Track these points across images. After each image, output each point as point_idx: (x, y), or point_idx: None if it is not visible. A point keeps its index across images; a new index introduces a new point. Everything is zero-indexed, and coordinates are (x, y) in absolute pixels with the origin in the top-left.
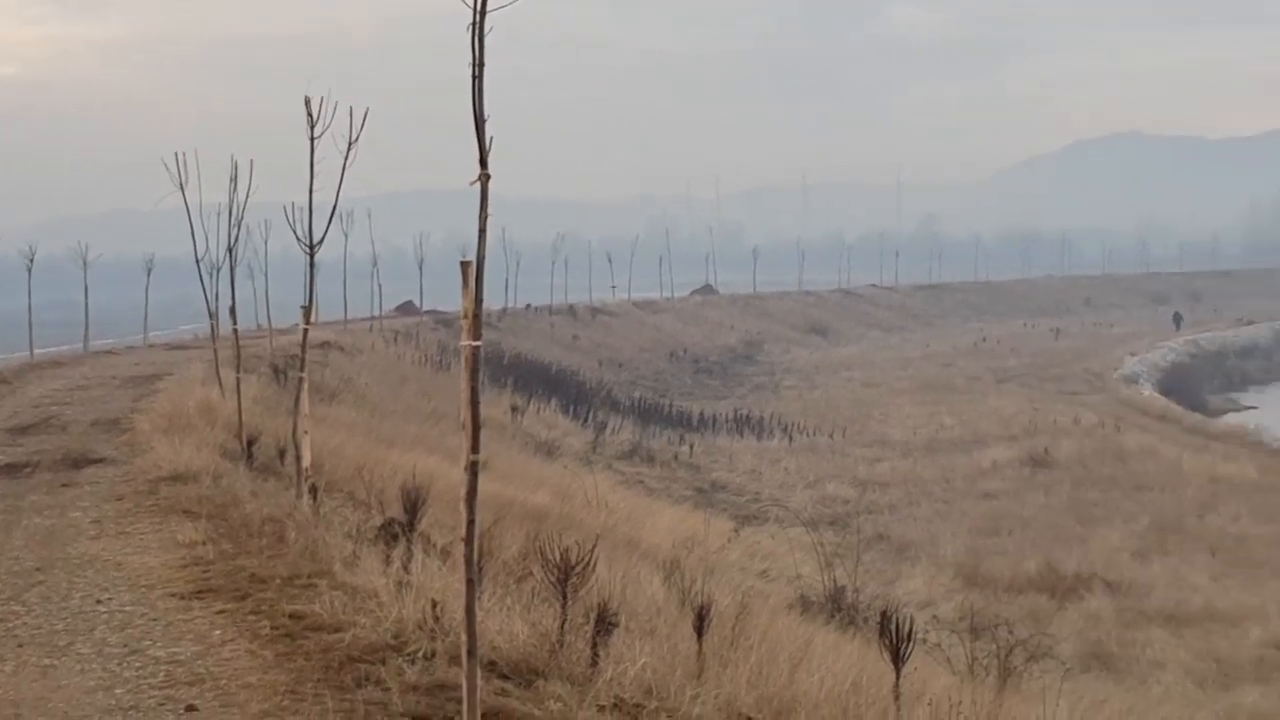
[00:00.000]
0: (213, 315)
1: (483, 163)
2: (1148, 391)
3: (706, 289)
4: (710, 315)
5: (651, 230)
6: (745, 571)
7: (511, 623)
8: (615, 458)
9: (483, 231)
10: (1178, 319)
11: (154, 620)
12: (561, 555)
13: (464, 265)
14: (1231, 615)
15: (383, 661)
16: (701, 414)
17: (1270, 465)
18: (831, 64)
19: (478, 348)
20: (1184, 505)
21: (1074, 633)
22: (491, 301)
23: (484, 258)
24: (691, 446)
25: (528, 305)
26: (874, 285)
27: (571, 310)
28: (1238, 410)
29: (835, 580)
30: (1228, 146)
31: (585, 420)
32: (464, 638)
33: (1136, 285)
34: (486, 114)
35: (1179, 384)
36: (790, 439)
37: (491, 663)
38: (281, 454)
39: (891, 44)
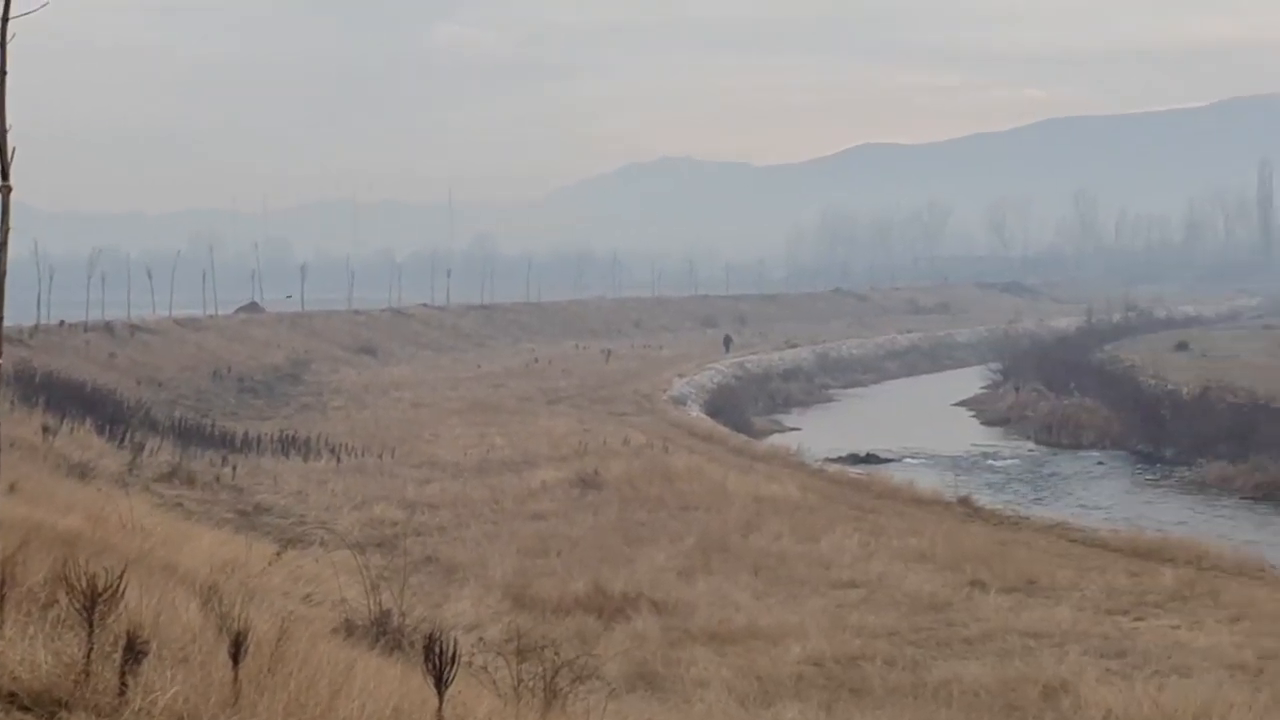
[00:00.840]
0: None
1: (4, 174)
2: (695, 413)
3: (252, 307)
4: (256, 334)
5: (195, 245)
6: (289, 596)
7: (34, 652)
8: (154, 479)
9: (3, 245)
10: (728, 342)
11: None
12: (88, 581)
13: None
14: (773, 633)
15: None
16: (246, 434)
17: (810, 485)
18: (381, 79)
19: None
20: (729, 525)
21: (620, 653)
22: (22, 318)
23: (5, 273)
24: (235, 468)
25: (61, 322)
26: (425, 305)
27: (109, 327)
28: (782, 431)
29: (381, 604)
30: (773, 173)
31: (122, 441)
32: None
33: (686, 308)
34: (9, 124)
35: (726, 405)
36: (338, 460)
37: (12, 694)
38: None
39: (442, 61)
